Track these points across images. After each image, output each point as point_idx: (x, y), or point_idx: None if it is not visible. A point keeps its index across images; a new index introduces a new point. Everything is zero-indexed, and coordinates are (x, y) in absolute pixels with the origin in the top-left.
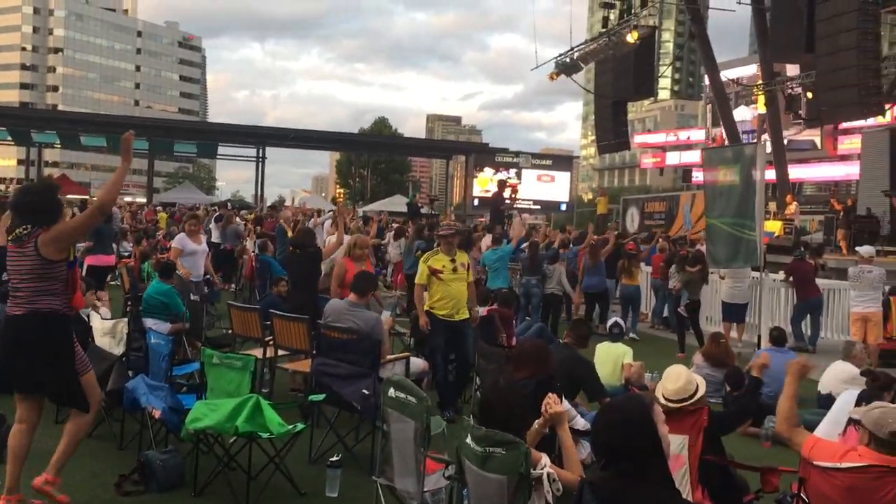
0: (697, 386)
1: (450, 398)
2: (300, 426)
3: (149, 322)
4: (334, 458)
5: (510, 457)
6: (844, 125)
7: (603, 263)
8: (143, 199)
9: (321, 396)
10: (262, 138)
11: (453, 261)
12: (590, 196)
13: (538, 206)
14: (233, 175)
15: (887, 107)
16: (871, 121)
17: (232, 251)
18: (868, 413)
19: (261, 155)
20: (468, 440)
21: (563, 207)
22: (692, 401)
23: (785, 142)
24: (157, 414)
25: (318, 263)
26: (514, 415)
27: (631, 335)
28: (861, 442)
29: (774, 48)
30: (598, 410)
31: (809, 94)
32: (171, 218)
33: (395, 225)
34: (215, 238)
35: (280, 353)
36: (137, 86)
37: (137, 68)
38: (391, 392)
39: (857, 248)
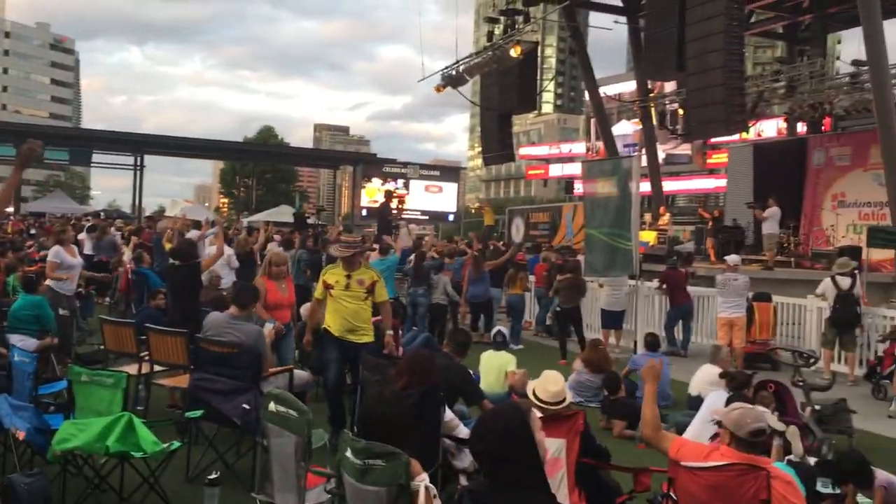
0: (566, 397)
1: (338, 416)
2: (176, 444)
3: (14, 338)
4: (212, 476)
5: (390, 468)
6: (714, 140)
7: (486, 273)
8: (9, 209)
9: (198, 413)
10: (139, 146)
11: (348, 277)
12: (477, 206)
13: (426, 217)
14: (109, 183)
15: (751, 124)
16: (737, 137)
17: (107, 263)
18: (728, 415)
19: (139, 163)
20: (348, 453)
21: (451, 218)
22: (564, 405)
23: (664, 155)
24: (21, 435)
25: (198, 275)
26: (397, 426)
27: (511, 346)
28: (723, 442)
29: (648, 66)
30: (478, 419)
31: (681, 111)
32: (42, 228)
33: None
34: (88, 250)
35: (157, 368)
36: (5, 89)
37: (5, 71)
38: (272, 406)
39: (725, 258)
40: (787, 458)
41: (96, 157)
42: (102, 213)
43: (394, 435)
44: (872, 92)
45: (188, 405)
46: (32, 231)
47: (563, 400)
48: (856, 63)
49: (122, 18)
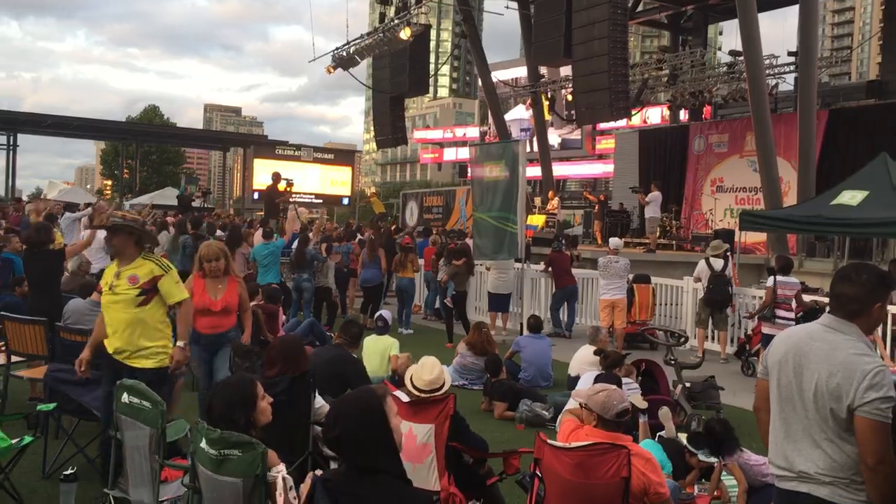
0: (445, 381)
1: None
2: (27, 439)
3: None
4: (68, 472)
5: (246, 459)
6: (602, 126)
7: (378, 257)
8: None
9: (50, 406)
10: (12, 124)
11: (118, 275)
12: (371, 191)
13: (320, 200)
14: None
15: (636, 111)
16: (624, 123)
17: None
18: (593, 397)
19: (12, 143)
20: (202, 444)
21: (346, 202)
22: (440, 392)
23: (559, 140)
24: None
25: (59, 261)
26: (234, 414)
27: (402, 330)
28: (587, 423)
29: (538, 51)
30: (332, 405)
31: (569, 97)
32: None
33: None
34: None
35: (15, 359)
36: None
37: None
38: (124, 397)
39: (609, 240)
40: (658, 434)
41: None
42: None
43: (235, 423)
44: (748, 81)
45: (46, 398)
46: None
47: (441, 387)
48: (733, 53)
49: None
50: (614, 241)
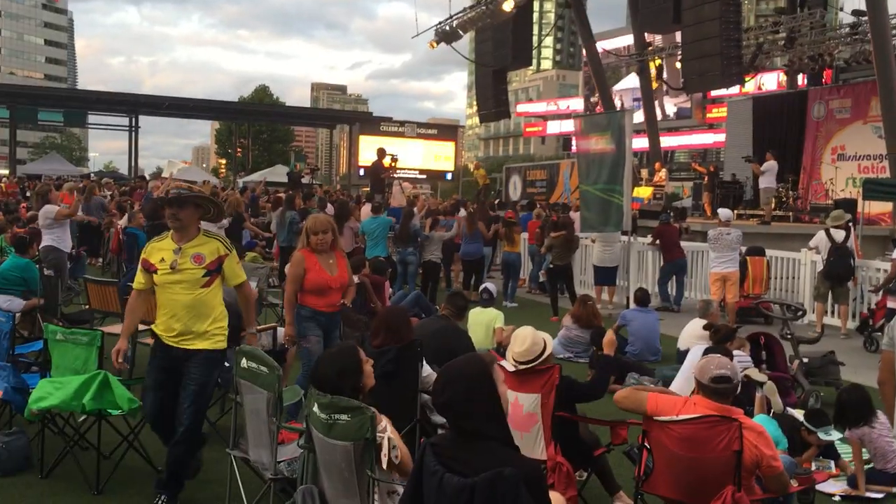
0: (545, 346)
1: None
2: None
3: (1, 299)
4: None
5: (355, 423)
6: (713, 94)
7: (479, 231)
8: (4, 171)
9: None
10: (134, 106)
11: (178, 252)
12: (474, 164)
13: (424, 176)
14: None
15: (748, 77)
16: (735, 90)
17: (98, 225)
18: (698, 364)
19: (134, 124)
20: (314, 408)
21: (449, 177)
22: (540, 360)
23: (674, 109)
24: None
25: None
26: (342, 380)
27: (506, 304)
28: (696, 393)
29: (645, 19)
30: (440, 371)
31: (678, 65)
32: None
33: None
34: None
35: (142, 327)
36: None
37: None
38: (243, 362)
39: (718, 212)
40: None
41: (91, 119)
42: (92, 175)
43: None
44: (872, 43)
45: None
46: (28, 193)
47: (538, 357)
48: (856, 13)
49: None
50: (724, 213)
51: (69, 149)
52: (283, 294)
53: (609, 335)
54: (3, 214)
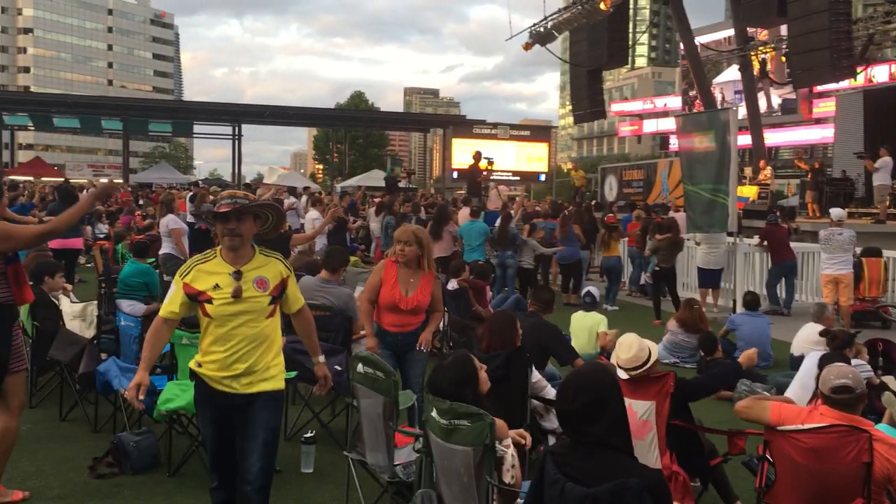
0: (650, 353)
1: None
2: None
3: (124, 304)
4: (308, 435)
5: (475, 429)
6: (820, 88)
7: (573, 234)
8: (119, 180)
9: (292, 374)
10: (237, 116)
11: (238, 275)
12: (569, 166)
13: (517, 178)
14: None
15: (859, 70)
16: (844, 83)
17: (207, 231)
18: (821, 374)
19: (237, 133)
20: (433, 413)
21: (542, 178)
22: (646, 367)
23: (779, 101)
24: None
25: (286, 245)
26: (461, 392)
27: (606, 307)
28: (822, 403)
29: (748, 12)
30: (564, 379)
31: (783, 59)
32: (148, 199)
33: (376, 200)
34: (189, 218)
35: None
36: (110, 65)
37: (110, 47)
38: (359, 368)
39: (830, 211)
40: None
41: (197, 129)
42: (200, 182)
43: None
44: None
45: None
46: (140, 202)
47: (644, 364)
48: None
49: None
50: (836, 212)
51: (176, 157)
52: None
53: (750, 352)
54: (121, 222)
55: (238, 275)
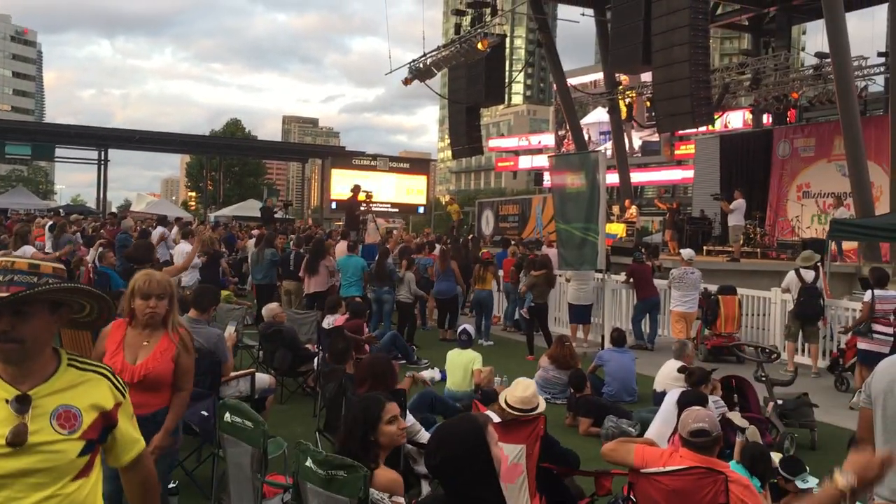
0: (539, 402)
1: None
2: None
3: None
4: (171, 485)
5: (350, 480)
6: (681, 132)
7: (451, 269)
8: None
9: None
10: (104, 140)
11: (24, 402)
12: (447, 199)
13: (396, 210)
14: (74, 178)
15: (717, 116)
16: (703, 128)
17: (66, 262)
18: (680, 418)
19: (103, 158)
20: (308, 463)
21: (422, 210)
22: (532, 413)
23: (640, 143)
24: None
25: None
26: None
27: (481, 342)
28: (681, 445)
29: (615, 59)
30: (432, 433)
31: (648, 103)
32: (3, 226)
33: (254, 231)
34: (48, 248)
35: None
36: None
37: None
38: (227, 417)
39: (680, 251)
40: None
41: (60, 152)
42: (62, 210)
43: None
44: (835, 83)
45: None
46: None
47: (532, 410)
48: (819, 55)
49: (91, 11)
50: (687, 252)
51: (35, 182)
52: (258, 335)
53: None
54: None
55: (23, 403)
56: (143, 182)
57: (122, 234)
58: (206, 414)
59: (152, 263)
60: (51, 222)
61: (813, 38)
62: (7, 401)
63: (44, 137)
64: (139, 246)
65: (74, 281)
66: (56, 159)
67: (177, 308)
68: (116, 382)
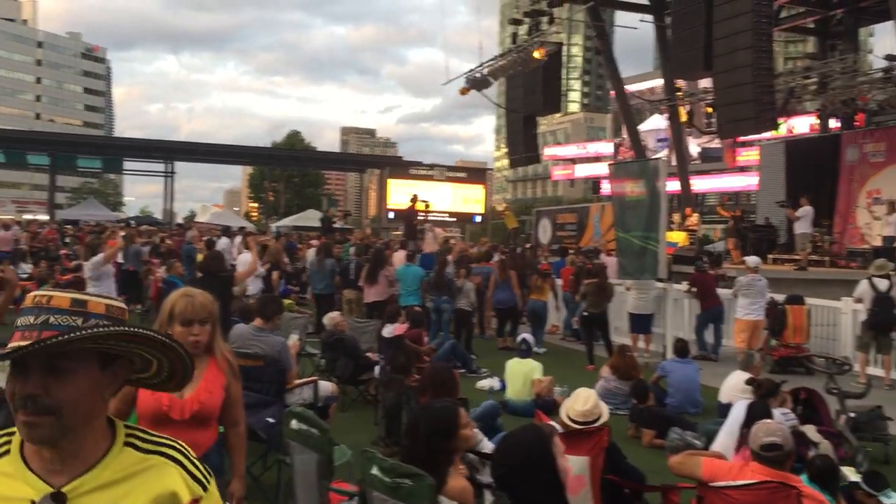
0: (602, 412)
1: None
2: None
3: None
4: None
5: (417, 488)
6: (743, 138)
7: (510, 279)
8: (44, 217)
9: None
10: (170, 153)
11: (58, 501)
12: (503, 208)
13: (454, 219)
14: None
15: (781, 121)
16: (767, 134)
17: (135, 272)
18: (751, 431)
19: (169, 170)
20: (374, 471)
21: (478, 219)
22: (595, 424)
23: (698, 150)
24: None
25: (227, 288)
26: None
27: (535, 350)
28: (752, 459)
29: (675, 65)
30: (499, 442)
31: (709, 109)
32: (76, 237)
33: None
34: (118, 258)
35: None
36: (38, 98)
37: (38, 80)
38: (293, 424)
39: (745, 259)
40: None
41: (128, 165)
42: (133, 222)
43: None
44: None
45: None
46: (66, 239)
47: (593, 421)
48: (889, 58)
49: (157, 28)
50: (753, 260)
51: (105, 194)
52: (320, 344)
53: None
54: (44, 262)
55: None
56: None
57: (187, 244)
58: (272, 420)
59: (225, 273)
60: (122, 233)
61: (882, 40)
62: (33, 502)
63: (113, 151)
64: (210, 257)
65: (146, 289)
66: (125, 172)
67: (219, 330)
68: (194, 468)
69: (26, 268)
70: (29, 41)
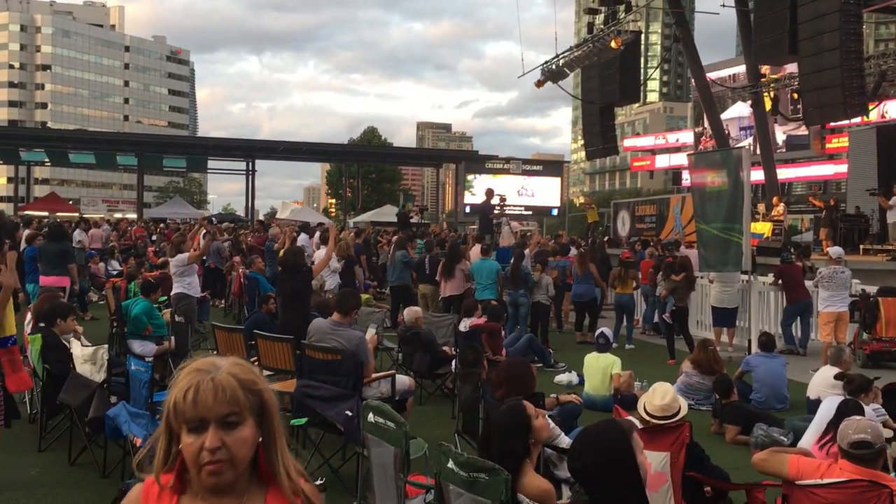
0: (681, 408)
1: None
2: None
3: (135, 345)
4: (319, 482)
5: (492, 483)
6: (833, 124)
7: (591, 272)
8: (133, 215)
9: (302, 421)
10: (250, 151)
11: None
12: (581, 200)
13: (529, 212)
14: (224, 188)
15: (871, 106)
16: (857, 119)
17: (218, 269)
18: (840, 428)
19: (250, 168)
20: (450, 465)
21: (555, 213)
22: (674, 419)
23: (784, 137)
24: (138, 442)
25: (307, 283)
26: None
27: (627, 346)
28: (841, 457)
29: (759, 50)
30: (577, 436)
31: (795, 95)
32: (162, 234)
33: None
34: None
35: (266, 373)
36: (126, 101)
37: (126, 83)
38: (370, 417)
39: (828, 250)
40: None
41: (212, 164)
42: (214, 219)
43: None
44: None
45: (294, 412)
46: (153, 237)
47: (676, 413)
48: None
49: (241, 30)
50: (836, 250)
51: (190, 192)
52: (397, 338)
53: None
54: (133, 259)
55: None
56: (287, 190)
57: (269, 241)
58: (350, 414)
59: (305, 268)
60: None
61: None
62: None
63: (197, 150)
64: (290, 252)
65: (229, 284)
66: (208, 170)
67: (280, 432)
68: None
69: (116, 265)
70: (116, 46)
